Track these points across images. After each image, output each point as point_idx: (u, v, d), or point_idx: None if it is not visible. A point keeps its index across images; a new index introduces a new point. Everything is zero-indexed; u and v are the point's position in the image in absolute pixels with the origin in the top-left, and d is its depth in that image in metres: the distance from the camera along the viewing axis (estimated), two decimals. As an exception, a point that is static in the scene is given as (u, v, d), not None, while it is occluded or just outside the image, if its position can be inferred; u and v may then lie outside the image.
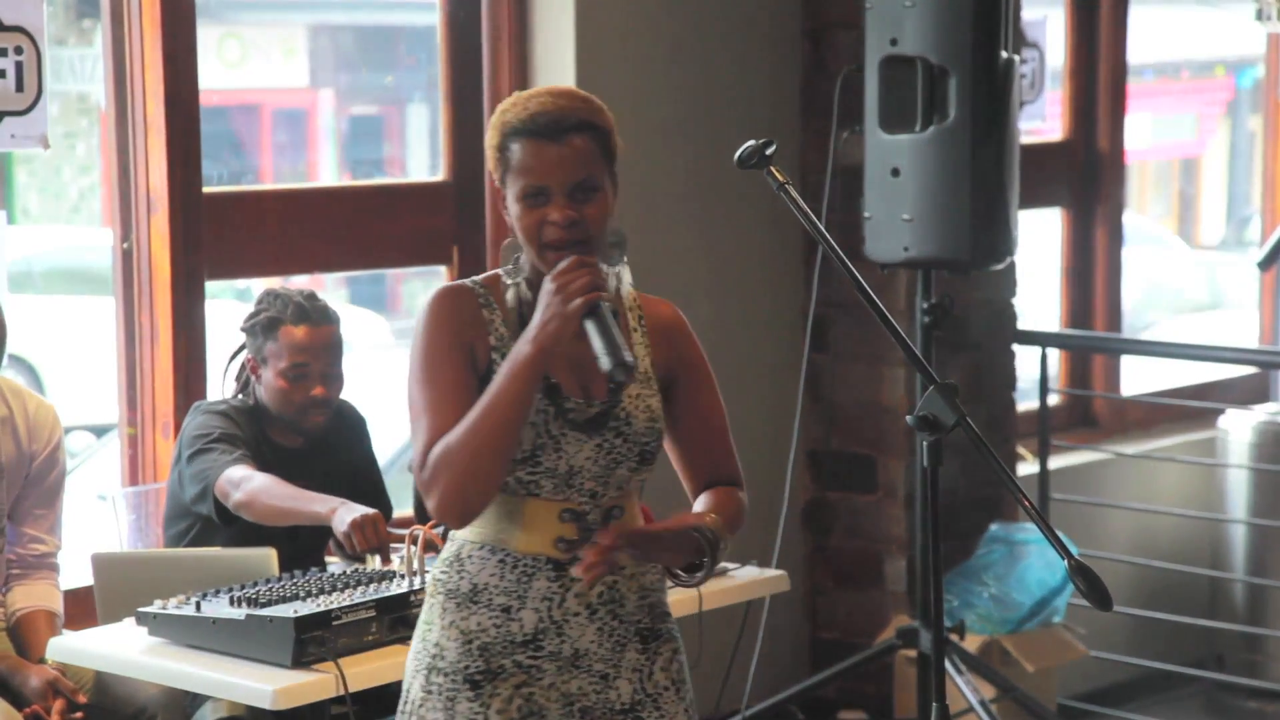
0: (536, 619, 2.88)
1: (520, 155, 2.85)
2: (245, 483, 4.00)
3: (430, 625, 2.93)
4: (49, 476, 4.25)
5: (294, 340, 4.21)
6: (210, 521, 4.12)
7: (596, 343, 2.78)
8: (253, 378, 4.28)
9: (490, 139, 2.91)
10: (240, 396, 4.34)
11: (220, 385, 4.41)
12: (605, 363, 2.76)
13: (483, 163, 5.38)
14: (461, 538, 2.92)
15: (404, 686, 2.98)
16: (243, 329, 4.29)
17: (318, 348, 4.23)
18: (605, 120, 2.92)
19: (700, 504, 3.00)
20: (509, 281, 2.92)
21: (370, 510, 3.87)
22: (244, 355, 4.34)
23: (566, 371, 2.89)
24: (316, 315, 4.24)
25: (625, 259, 3.04)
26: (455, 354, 2.86)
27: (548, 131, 2.85)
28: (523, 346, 2.79)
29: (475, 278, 2.97)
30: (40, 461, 4.23)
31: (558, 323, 2.77)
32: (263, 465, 4.12)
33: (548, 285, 2.79)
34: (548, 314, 2.78)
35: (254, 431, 4.24)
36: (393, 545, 3.92)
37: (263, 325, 4.24)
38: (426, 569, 3.74)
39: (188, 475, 4.13)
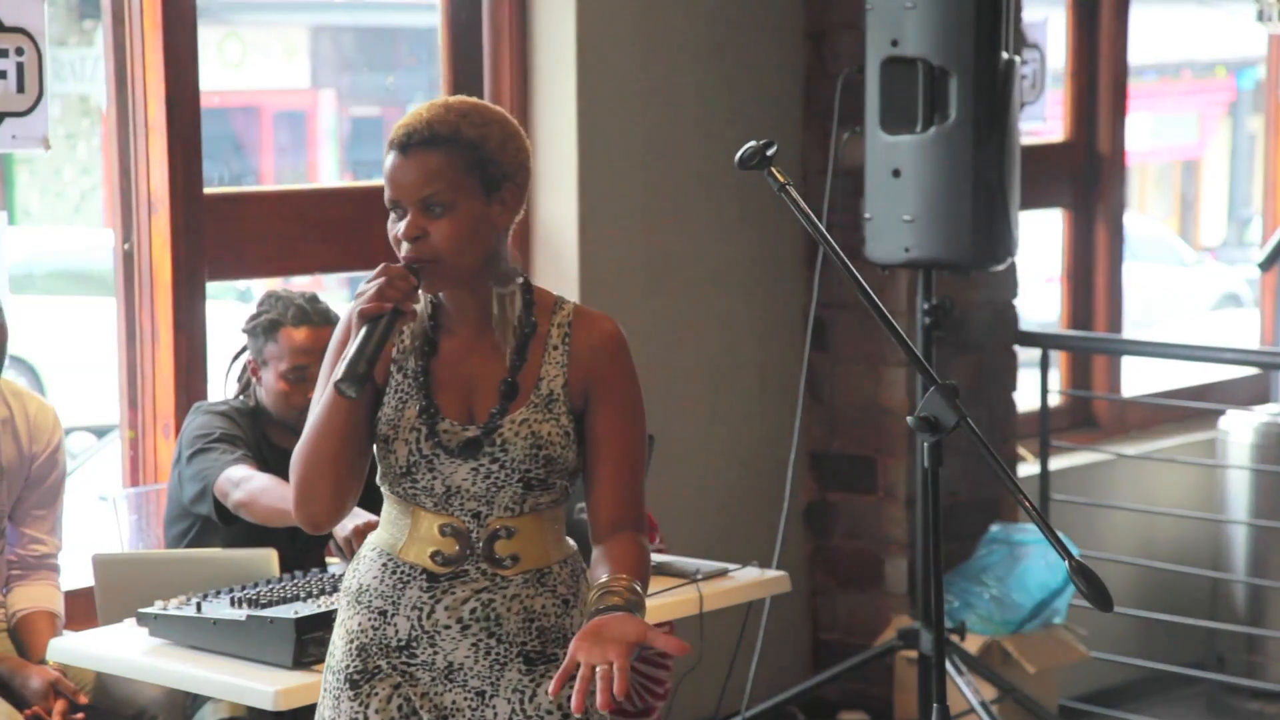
0: (409, 626, 2.86)
1: (385, 169, 2.82)
2: (246, 482, 4.00)
3: (337, 623, 2.95)
4: (49, 477, 4.25)
5: (294, 342, 4.22)
6: (210, 522, 4.12)
7: (349, 352, 2.73)
8: (253, 379, 4.28)
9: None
10: (241, 397, 4.34)
11: (223, 386, 4.41)
12: (338, 371, 2.73)
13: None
14: (369, 539, 2.94)
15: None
16: (244, 330, 4.30)
17: (318, 350, 4.23)
18: (475, 135, 2.79)
19: (599, 565, 2.83)
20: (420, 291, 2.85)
21: (371, 518, 3.86)
22: (245, 356, 4.34)
23: (453, 392, 2.85)
24: (317, 317, 4.25)
25: (517, 288, 2.88)
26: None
27: (401, 145, 2.80)
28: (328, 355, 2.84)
29: None
30: (41, 463, 4.23)
31: (355, 324, 2.77)
32: (263, 466, 4.12)
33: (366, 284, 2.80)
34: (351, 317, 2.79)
35: (254, 433, 4.24)
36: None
37: (264, 327, 4.24)
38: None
39: (187, 475, 4.13)
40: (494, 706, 2.88)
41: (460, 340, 2.88)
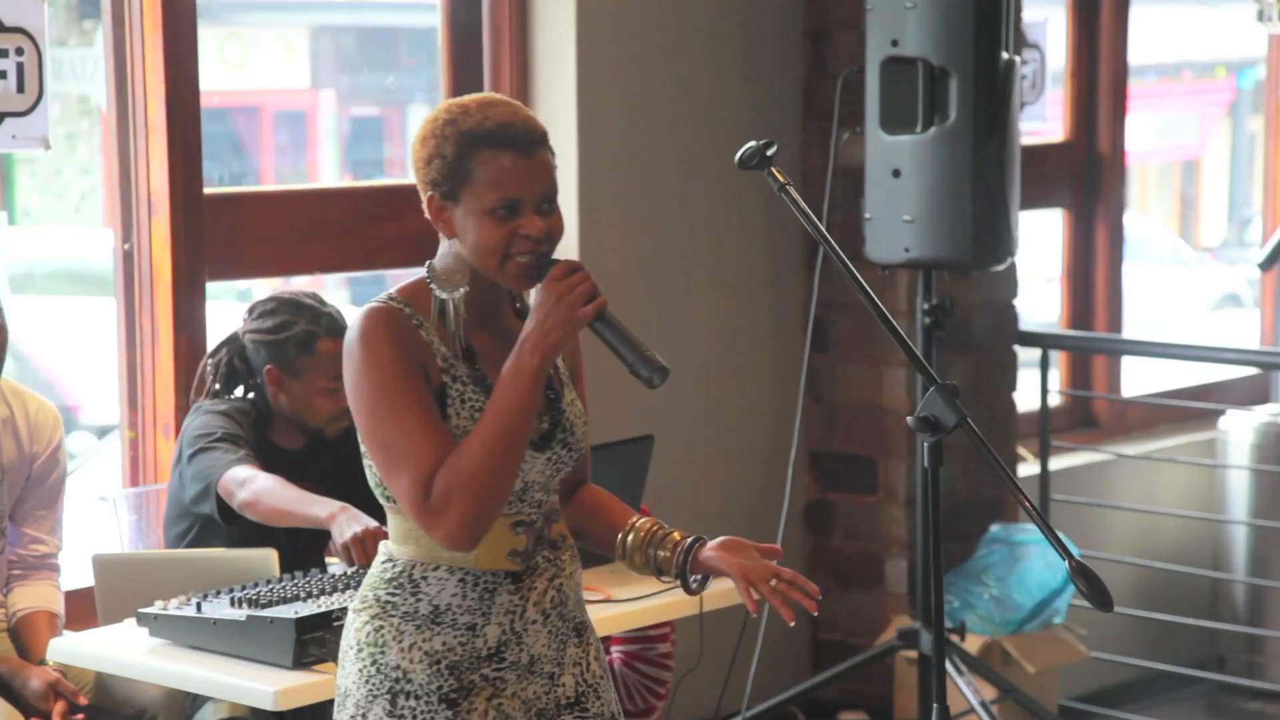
0: (500, 632, 2.86)
1: (491, 167, 2.77)
2: (250, 482, 4.00)
3: (382, 647, 2.85)
4: (50, 477, 4.25)
5: (334, 355, 4.18)
6: (211, 522, 4.12)
7: (621, 350, 2.76)
8: (271, 387, 4.26)
9: (438, 148, 2.80)
10: (223, 393, 4.31)
11: (196, 378, 4.38)
12: (642, 370, 2.75)
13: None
14: (404, 557, 2.86)
15: (349, 712, 2.88)
16: (267, 339, 4.25)
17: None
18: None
19: (600, 513, 3.02)
20: (444, 296, 2.83)
21: (370, 523, 3.85)
22: (224, 353, 4.31)
23: None
24: (344, 324, 4.24)
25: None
26: (416, 377, 2.78)
27: (521, 143, 2.78)
28: (526, 358, 2.74)
29: (391, 296, 2.86)
30: (41, 463, 4.23)
31: (563, 330, 2.74)
32: (264, 466, 4.11)
33: (545, 295, 2.75)
34: (549, 322, 2.74)
35: (255, 432, 4.24)
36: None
37: (298, 339, 4.22)
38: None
39: (189, 474, 4.13)
40: (563, 684, 2.93)
41: (487, 337, 2.88)
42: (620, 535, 2.99)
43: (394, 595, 2.86)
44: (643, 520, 2.99)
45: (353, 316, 2.85)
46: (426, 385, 2.79)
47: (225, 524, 4.08)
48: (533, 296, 2.86)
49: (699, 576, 2.95)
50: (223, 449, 4.10)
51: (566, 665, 2.93)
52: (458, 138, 2.79)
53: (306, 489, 4.02)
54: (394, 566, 2.87)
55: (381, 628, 2.86)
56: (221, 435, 4.14)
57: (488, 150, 2.77)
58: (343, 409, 4.23)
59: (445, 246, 2.87)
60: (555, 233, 2.81)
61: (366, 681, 2.86)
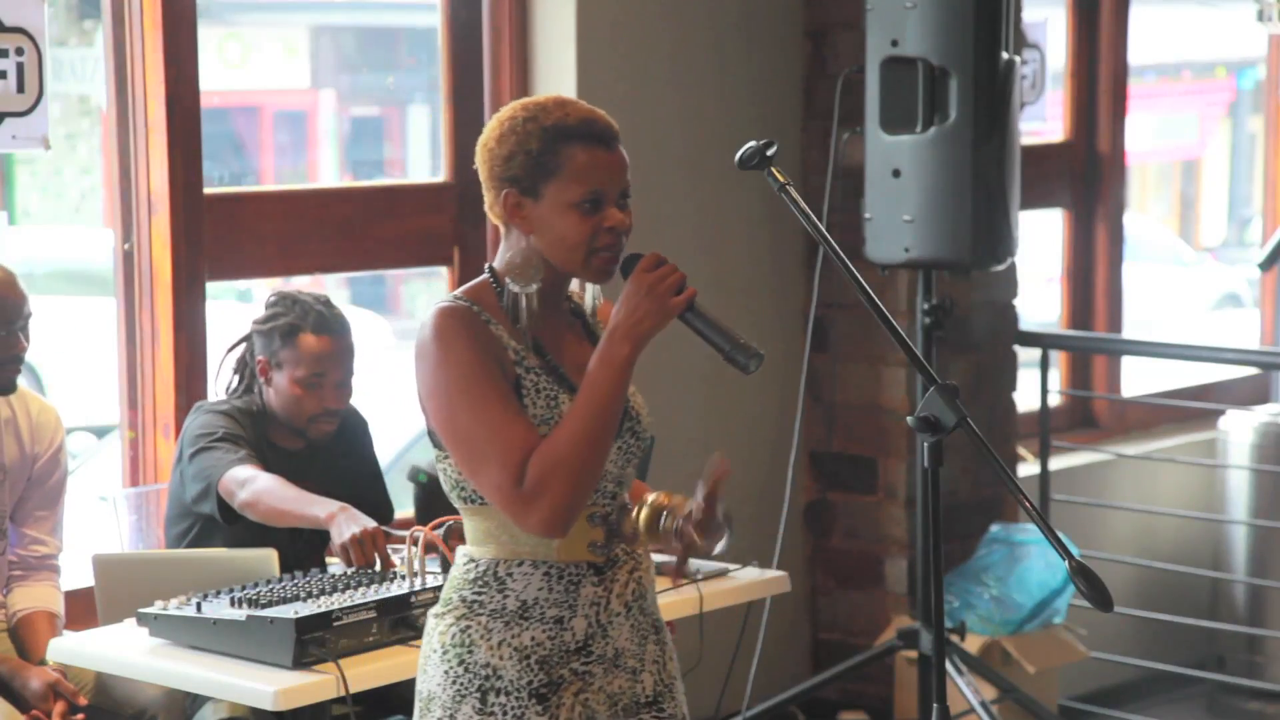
0: (586, 625, 2.89)
1: (577, 160, 2.83)
2: (250, 482, 4.00)
3: (469, 647, 2.86)
4: (51, 478, 4.25)
5: (312, 350, 4.21)
6: (211, 522, 4.12)
7: (714, 339, 2.81)
8: (260, 379, 4.27)
9: (520, 144, 2.85)
10: (241, 393, 4.33)
11: (214, 376, 4.40)
12: (738, 357, 2.79)
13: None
14: (486, 557, 2.88)
15: (435, 715, 2.88)
16: (256, 330, 4.28)
17: (335, 358, 4.23)
18: None
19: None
20: (518, 290, 2.88)
21: (369, 524, 3.85)
22: (242, 350, 4.33)
23: (576, 378, 2.88)
24: (335, 325, 4.25)
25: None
26: (495, 371, 2.82)
27: (604, 138, 2.86)
28: (618, 347, 2.78)
29: (458, 296, 2.90)
30: (43, 463, 4.23)
31: (654, 320, 2.79)
32: (265, 466, 4.11)
33: (635, 284, 2.79)
34: (640, 312, 2.79)
35: (256, 433, 4.24)
36: (392, 546, 3.91)
37: (281, 330, 4.23)
38: (429, 570, 3.75)
39: (190, 474, 4.13)
40: (643, 681, 2.95)
41: (550, 329, 2.92)
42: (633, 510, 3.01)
43: (480, 594, 2.87)
44: (655, 496, 2.99)
45: (421, 318, 2.88)
46: (505, 378, 2.83)
47: (226, 524, 4.08)
48: (588, 293, 2.96)
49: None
50: (224, 449, 4.10)
51: (647, 662, 2.96)
52: (542, 133, 2.84)
53: (307, 489, 4.02)
54: (476, 567, 2.89)
55: (468, 628, 2.87)
56: (222, 435, 4.14)
57: (574, 144, 2.84)
58: (325, 410, 4.23)
59: (508, 245, 2.90)
60: (630, 227, 2.88)
61: (454, 683, 2.87)
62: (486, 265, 2.95)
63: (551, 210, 2.84)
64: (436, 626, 2.90)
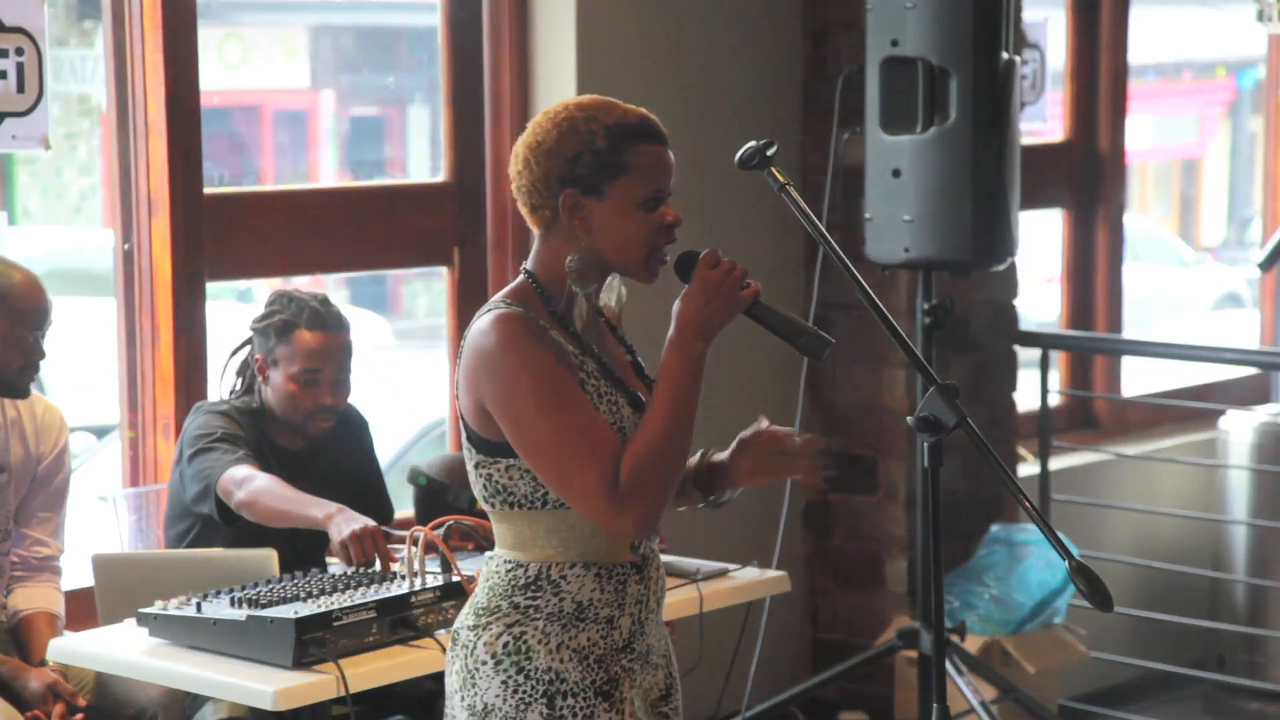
0: (630, 623, 2.91)
1: (644, 159, 2.86)
2: (248, 482, 4.00)
3: (526, 654, 2.85)
4: (55, 479, 4.25)
5: (307, 345, 4.21)
6: (211, 522, 4.12)
7: (783, 330, 2.88)
8: (259, 378, 4.28)
9: (586, 143, 2.84)
10: (242, 394, 4.33)
11: (219, 378, 4.40)
12: (808, 345, 2.87)
13: (484, 164, 5.40)
14: (535, 560, 2.87)
15: None
16: (254, 329, 4.29)
17: (330, 354, 4.23)
18: None
19: None
20: (579, 290, 2.89)
21: (368, 522, 3.85)
22: (246, 351, 4.34)
23: (627, 380, 2.92)
24: (331, 321, 4.24)
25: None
26: (570, 375, 2.82)
27: (662, 137, 2.90)
28: (692, 344, 2.83)
29: (508, 302, 2.87)
30: (47, 464, 4.23)
31: (723, 315, 2.85)
32: (264, 466, 4.12)
33: (700, 280, 2.83)
34: (710, 308, 2.83)
35: (256, 432, 4.24)
36: (392, 546, 3.91)
37: (276, 327, 4.23)
38: (429, 570, 3.74)
39: (189, 474, 4.13)
40: (659, 677, 2.98)
41: (595, 331, 2.95)
42: None
43: (534, 599, 2.87)
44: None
45: (475, 327, 2.85)
46: (577, 383, 2.84)
47: (224, 524, 4.08)
48: (612, 294, 3.00)
49: (722, 493, 3.02)
50: (222, 449, 4.10)
51: (662, 657, 3.00)
52: (606, 132, 2.85)
53: (306, 490, 4.02)
54: (524, 572, 2.88)
55: (524, 634, 2.86)
56: (221, 435, 4.14)
57: (641, 143, 2.87)
58: (321, 406, 4.23)
59: (548, 247, 2.89)
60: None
61: (514, 691, 2.85)
62: (523, 269, 2.92)
63: (615, 209, 2.85)
64: (480, 637, 2.86)
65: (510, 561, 2.89)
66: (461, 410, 2.88)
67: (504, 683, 2.85)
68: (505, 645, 2.85)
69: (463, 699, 2.89)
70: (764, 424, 3.05)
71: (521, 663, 2.85)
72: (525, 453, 2.81)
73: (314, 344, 4.21)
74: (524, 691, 2.84)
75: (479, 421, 2.85)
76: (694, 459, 3.06)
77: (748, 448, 3.05)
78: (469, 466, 2.91)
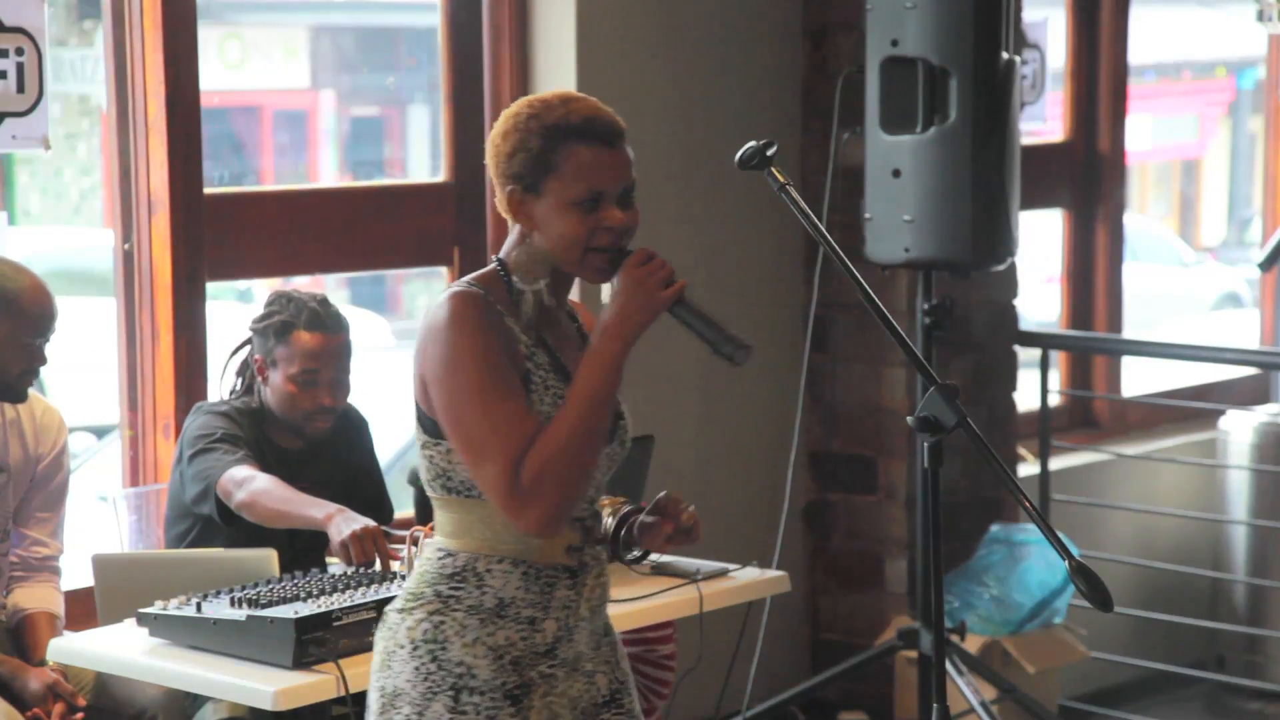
0: (556, 627, 2.88)
1: (577, 159, 2.82)
2: (248, 483, 4.00)
3: (442, 643, 2.84)
4: (54, 480, 4.25)
5: (306, 346, 4.21)
6: (211, 522, 4.12)
7: (703, 332, 2.79)
8: (259, 378, 4.28)
9: (521, 141, 2.84)
10: (242, 395, 4.33)
11: (219, 378, 4.40)
12: (724, 349, 2.77)
13: (484, 164, 5.39)
14: (465, 550, 2.85)
15: (403, 713, 2.85)
16: (253, 329, 4.29)
17: (329, 355, 4.23)
18: None
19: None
20: (525, 288, 2.87)
21: (368, 523, 3.85)
22: (246, 351, 4.34)
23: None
24: (330, 322, 4.24)
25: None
26: (506, 362, 2.80)
27: (606, 136, 2.85)
28: (609, 344, 2.77)
29: (471, 283, 2.87)
30: (46, 465, 4.23)
31: (643, 315, 2.77)
32: (264, 466, 4.11)
33: (624, 281, 2.78)
34: (630, 307, 2.77)
35: (255, 433, 4.24)
36: (392, 546, 3.91)
37: (275, 328, 4.23)
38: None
39: (189, 475, 4.13)
40: (597, 683, 2.95)
41: (555, 327, 2.93)
42: None
43: (456, 589, 2.85)
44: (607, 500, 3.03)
45: (434, 302, 2.86)
46: (516, 371, 2.81)
47: (224, 525, 4.08)
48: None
49: (636, 553, 3.02)
50: (222, 449, 4.10)
51: (599, 664, 2.96)
52: (543, 131, 2.84)
53: (306, 490, 4.02)
54: (453, 561, 2.86)
55: (442, 623, 2.84)
56: (221, 435, 4.14)
57: (573, 143, 2.83)
58: (320, 407, 4.22)
59: (515, 239, 2.89)
60: (634, 226, 2.87)
61: (425, 679, 2.84)
62: (495, 256, 2.94)
63: (552, 208, 2.83)
64: (404, 621, 2.86)
65: (442, 550, 2.88)
66: (413, 387, 2.88)
67: (416, 669, 2.84)
68: (425, 633, 2.84)
69: (377, 680, 2.90)
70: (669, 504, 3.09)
71: (436, 652, 2.84)
72: (449, 432, 2.80)
73: (312, 345, 4.21)
74: (433, 681, 2.84)
75: (424, 398, 2.84)
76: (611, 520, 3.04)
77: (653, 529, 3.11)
78: (417, 447, 2.90)
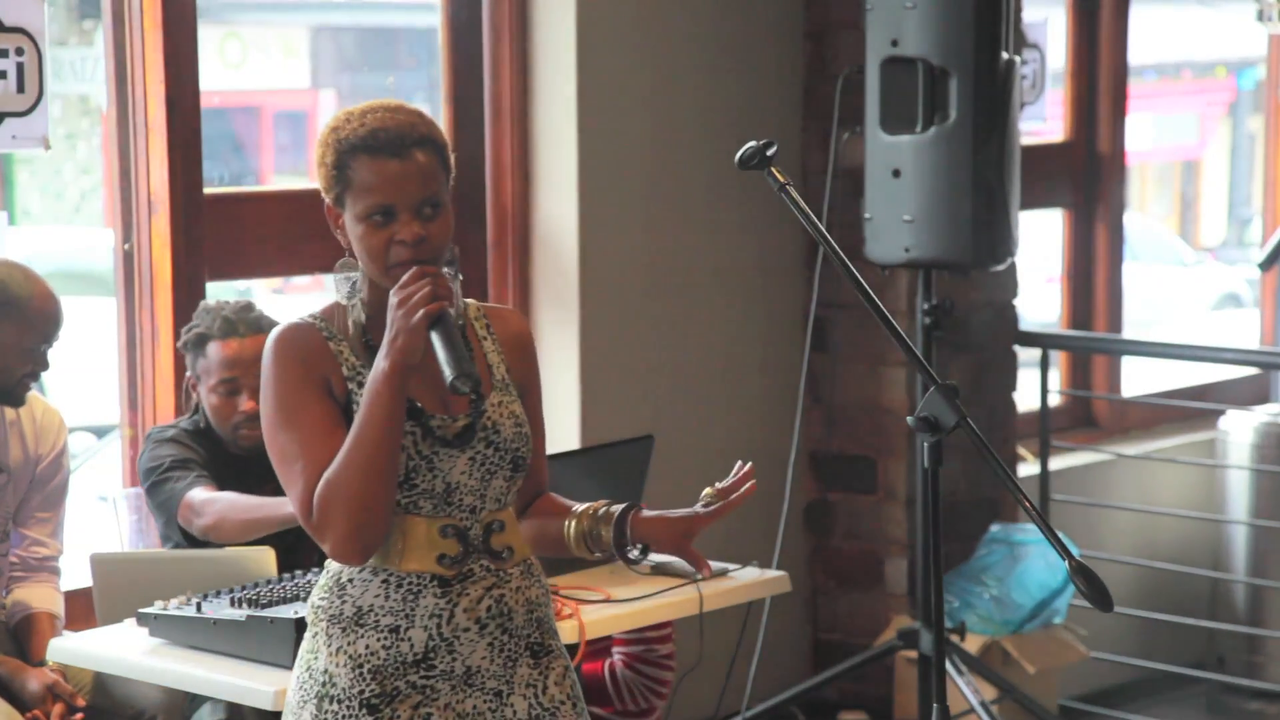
0: (426, 637, 2.83)
1: (363, 173, 2.78)
2: (207, 507, 3.98)
3: (315, 653, 2.85)
4: (53, 480, 4.25)
5: (222, 355, 4.18)
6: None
7: (440, 354, 2.71)
8: (194, 395, 4.26)
9: (322, 156, 2.82)
10: (190, 415, 4.30)
11: (183, 403, 4.39)
12: (447, 373, 2.69)
13: (484, 164, 5.41)
14: (335, 564, 2.86)
15: (287, 718, 2.90)
16: (179, 348, 4.28)
17: (247, 361, 4.17)
18: (442, 136, 2.89)
19: (551, 516, 3.00)
20: (347, 304, 2.85)
21: None
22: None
23: (425, 390, 2.82)
24: (244, 328, 4.20)
25: (459, 275, 2.91)
26: (311, 390, 2.78)
27: (391, 147, 2.80)
28: (379, 364, 2.73)
29: (313, 312, 2.87)
30: (45, 465, 4.23)
31: (405, 337, 2.71)
32: (222, 482, 4.09)
33: (392, 300, 2.73)
34: (394, 329, 2.72)
35: (208, 450, 4.20)
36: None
37: (193, 342, 4.22)
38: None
39: (153, 508, 4.14)
40: (512, 705, 2.88)
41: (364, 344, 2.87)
42: (564, 525, 2.97)
43: (323, 600, 2.87)
44: (584, 506, 2.96)
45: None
46: (328, 399, 2.80)
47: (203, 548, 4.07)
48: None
49: (638, 546, 2.96)
50: (174, 477, 4.09)
51: (517, 685, 2.88)
52: (336, 145, 2.81)
53: (268, 492, 4.00)
54: (327, 574, 2.89)
55: (315, 634, 2.87)
56: (170, 464, 4.11)
57: (360, 156, 2.79)
58: (243, 415, 4.19)
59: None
60: (436, 237, 2.81)
61: (300, 688, 2.88)
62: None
63: (352, 221, 2.81)
64: (307, 633, 2.91)
65: (330, 562, 2.89)
66: None
67: (297, 678, 2.89)
68: (306, 643, 2.89)
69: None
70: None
71: (310, 661, 2.87)
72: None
73: (228, 353, 4.18)
74: (305, 690, 2.86)
75: None
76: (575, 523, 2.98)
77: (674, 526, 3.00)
78: None
